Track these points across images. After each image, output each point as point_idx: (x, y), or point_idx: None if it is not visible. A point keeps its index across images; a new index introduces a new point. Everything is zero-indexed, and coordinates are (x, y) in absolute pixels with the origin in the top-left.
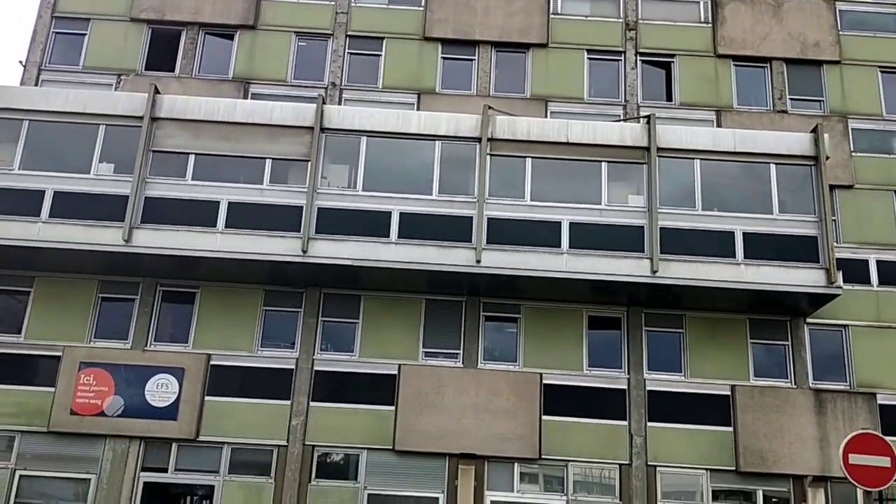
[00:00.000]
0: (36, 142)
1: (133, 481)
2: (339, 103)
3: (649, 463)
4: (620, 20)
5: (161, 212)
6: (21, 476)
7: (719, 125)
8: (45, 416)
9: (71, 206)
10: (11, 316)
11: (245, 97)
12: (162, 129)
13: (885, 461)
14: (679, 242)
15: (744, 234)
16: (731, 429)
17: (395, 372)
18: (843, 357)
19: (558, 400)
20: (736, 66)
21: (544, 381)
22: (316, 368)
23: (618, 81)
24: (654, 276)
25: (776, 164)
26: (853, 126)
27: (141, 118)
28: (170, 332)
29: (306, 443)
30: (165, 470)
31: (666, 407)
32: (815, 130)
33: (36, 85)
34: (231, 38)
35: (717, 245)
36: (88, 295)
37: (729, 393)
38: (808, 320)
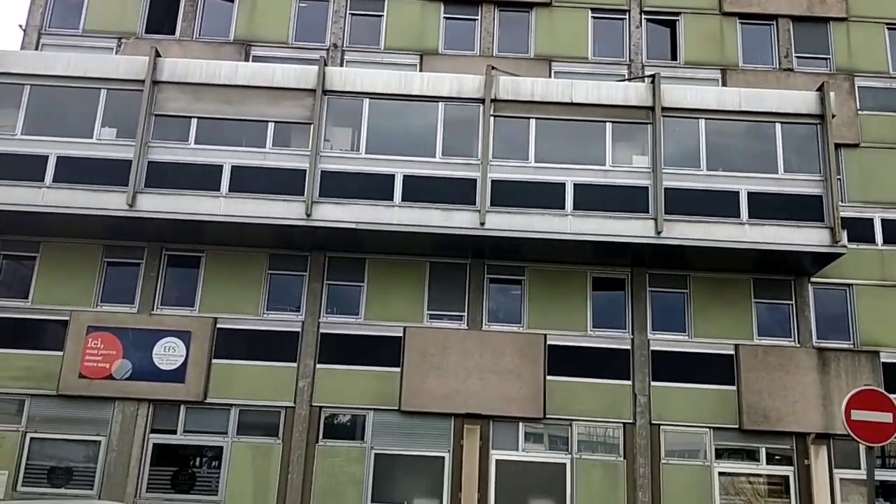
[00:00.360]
0: (38, 107)
1: (143, 443)
2: (341, 65)
3: (653, 422)
4: None
5: (164, 176)
6: (32, 439)
7: (725, 84)
8: (54, 380)
9: (74, 171)
10: (18, 281)
11: (246, 60)
12: (163, 92)
13: (887, 417)
14: (684, 203)
15: (748, 193)
16: (734, 388)
17: (401, 334)
18: (847, 316)
19: (562, 360)
20: (742, 23)
21: (548, 342)
22: (322, 331)
23: (622, 41)
24: (659, 236)
25: (782, 123)
26: (860, 84)
27: (142, 82)
28: (176, 295)
29: (313, 404)
30: (174, 432)
31: (670, 366)
32: (821, 89)
33: (36, 49)
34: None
35: (721, 205)
36: (94, 259)
37: (733, 352)
38: (813, 279)
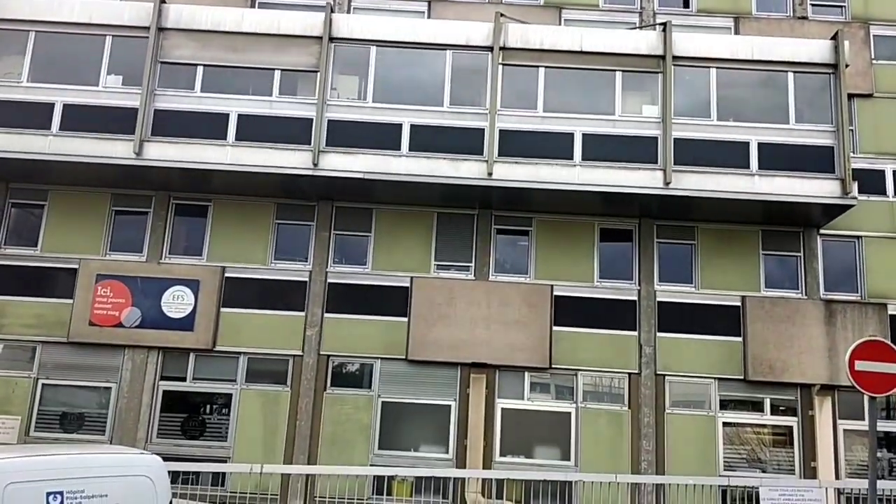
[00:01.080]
0: (43, 53)
1: (153, 390)
2: (349, 12)
3: (658, 372)
4: None
5: (171, 124)
6: (44, 385)
7: (737, 33)
8: (64, 327)
9: (81, 119)
10: (28, 229)
11: (253, 6)
12: (169, 39)
13: (891, 367)
14: (693, 153)
15: (759, 144)
16: (740, 339)
17: (408, 284)
18: (856, 268)
19: (569, 311)
20: None
21: (555, 293)
22: (329, 281)
23: None
24: (667, 187)
25: (794, 72)
26: (875, 33)
27: (147, 28)
28: (184, 244)
29: (321, 353)
30: (184, 379)
31: (676, 318)
32: (835, 37)
33: None
34: None
35: (731, 156)
36: (102, 208)
37: (739, 304)
38: (822, 231)
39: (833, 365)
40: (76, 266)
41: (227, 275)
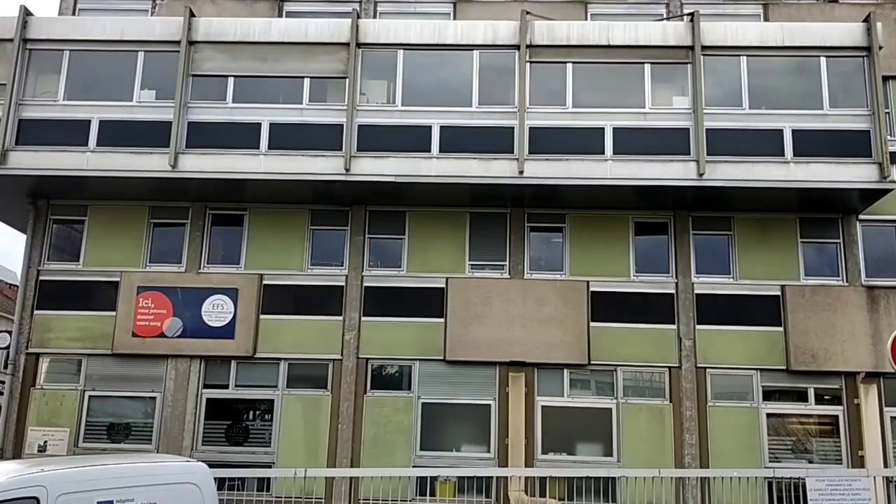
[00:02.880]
0: (78, 72)
1: (196, 398)
2: (374, 17)
3: (699, 365)
4: None
5: (204, 136)
6: (90, 397)
7: (767, 19)
8: (108, 340)
9: (117, 134)
10: (70, 245)
11: (280, 15)
12: (199, 52)
13: None
14: (726, 143)
15: (793, 131)
16: (781, 329)
17: (443, 285)
18: None
19: (606, 306)
20: None
21: (591, 289)
22: (365, 284)
23: None
24: (701, 178)
25: (826, 56)
26: None
27: (178, 42)
28: (221, 254)
29: (360, 356)
30: (226, 386)
31: (715, 309)
32: (867, 20)
33: (73, 14)
34: None
35: (765, 144)
36: (140, 221)
37: (779, 293)
38: (861, 217)
39: (878, 352)
40: (118, 279)
41: (264, 282)
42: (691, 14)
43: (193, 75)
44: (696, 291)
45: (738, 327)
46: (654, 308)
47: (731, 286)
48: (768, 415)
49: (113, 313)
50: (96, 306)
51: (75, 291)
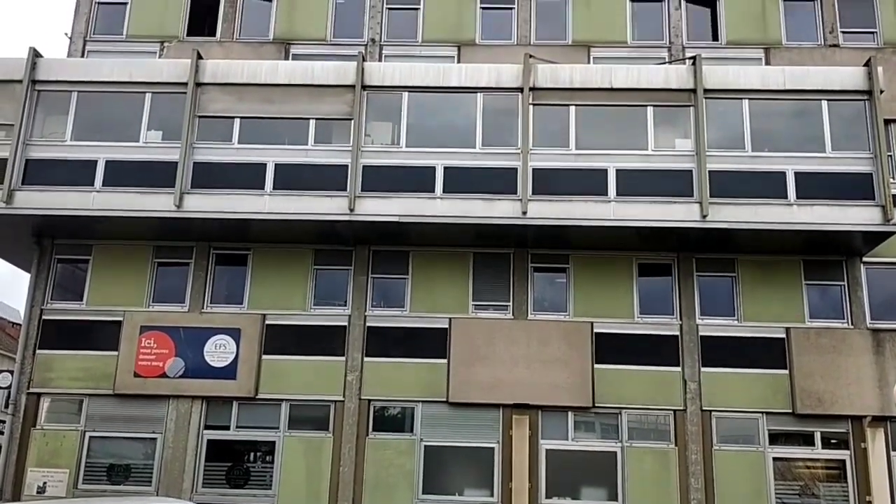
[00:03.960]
0: (85, 113)
1: (197, 439)
2: (380, 60)
3: (704, 408)
4: None
5: (210, 176)
6: (91, 437)
7: (768, 63)
8: (110, 380)
9: (123, 174)
10: (74, 284)
11: (286, 58)
12: (206, 94)
13: None
14: (729, 185)
15: (796, 173)
16: (786, 371)
17: (446, 326)
18: None
19: (610, 348)
20: (784, 0)
21: (595, 330)
22: (368, 325)
23: (661, 23)
24: (705, 220)
25: (828, 100)
26: None
27: (185, 84)
28: (225, 293)
29: (362, 397)
30: (227, 427)
31: (720, 352)
32: (867, 64)
33: (82, 56)
34: None
35: (768, 186)
36: (144, 260)
37: (784, 336)
38: (865, 259)
39: (884, 396)
40: (120, 318)
41: (267, 322)
42: (693, 58)
43: (200, 116)
44: (701, 333)
45: (744, 370)
46: (659, 350)
47: (736, 328)
48: (775, 459)
49: (115, 353)
50: (98, 346)
51: (78, 331)
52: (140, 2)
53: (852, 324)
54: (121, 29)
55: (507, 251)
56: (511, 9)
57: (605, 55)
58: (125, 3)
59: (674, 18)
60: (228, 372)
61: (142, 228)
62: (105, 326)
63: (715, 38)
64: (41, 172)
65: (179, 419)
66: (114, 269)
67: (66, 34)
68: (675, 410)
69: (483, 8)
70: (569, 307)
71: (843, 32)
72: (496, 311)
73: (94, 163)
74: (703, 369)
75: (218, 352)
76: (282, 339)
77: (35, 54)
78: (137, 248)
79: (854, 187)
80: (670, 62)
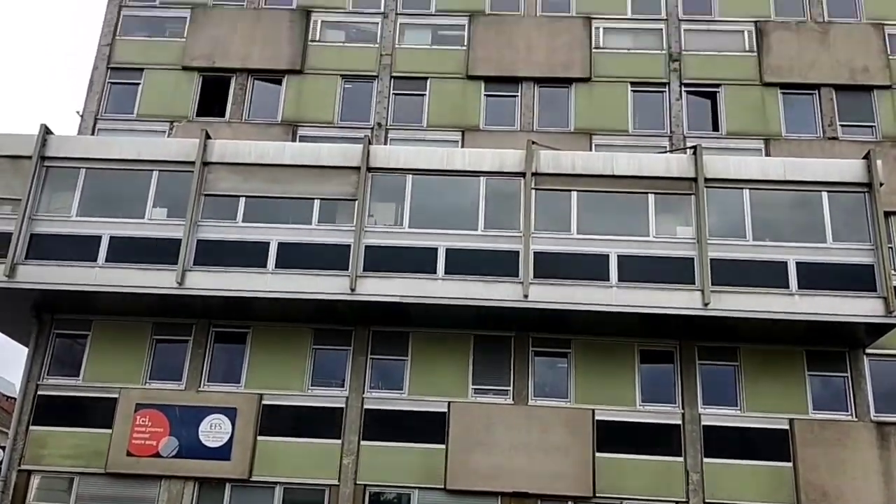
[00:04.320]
0: (92, 189)
1: None
2: (385, 143)
3: (707, 500)
4: (663, 52)
5: (213, 254)
6: None
7: (768, 154)
8: (102, 458)
9: (126, 251)
10: (71, 359)
11: (294, 139)
12: (213, 172)
13: None
14: (731, 273)
15: (797, 263)
16: (790, 464)
17: (445, 409)
18: None
19: (611, 436)
20: (783, 93)
21: (597, 417)
22: (366, 407)
23: (662, 112)
24: (706, 308)
25: (828, 191)
26: None
27: (193, 163)
28: (222, 372)
29: (357, 482)
30: None
31: (722, 442)
32: (867, 156)
33: (92, 134)
34: (279, 82)
35: (769, 275)
36: (143, 337)
37: (787, 427)
38: (868, 351)
39: (889, 491)
40: (116, 395)
41: (264, 402)
42: (694, 147)
43: (206, 194)
44: (703, 423)
45: (747, 461)
46: (661, 439)
47: (739, 418)
48: None
49: (109, 431)
50: (93, 423)
51: (73, 407)
52: (152, 83)
53: (856, 416)
54: (132, 108)
55: (508, 335)
56: (515, 96)
57: (607, 142)
58: (137, 84)
59: (674, 108)
60: (223, 452)
61: (142, 304)
62: (100, 403)
63: (715, 128)
64: (45, 247)
65: (171, 500)
66: (112, 344)
67: (77, 112)
68: (676, 502)
69: (487, 95)
70: (570, 393)
71: (842, 126)
72: (496, 395)
73: (97, 238)
74: (705, 460)
75: (213, 431)
76: (278, 420)
77: (46, 131)
78: (137, 325)
79: (856, 278)
80: (671, 151)
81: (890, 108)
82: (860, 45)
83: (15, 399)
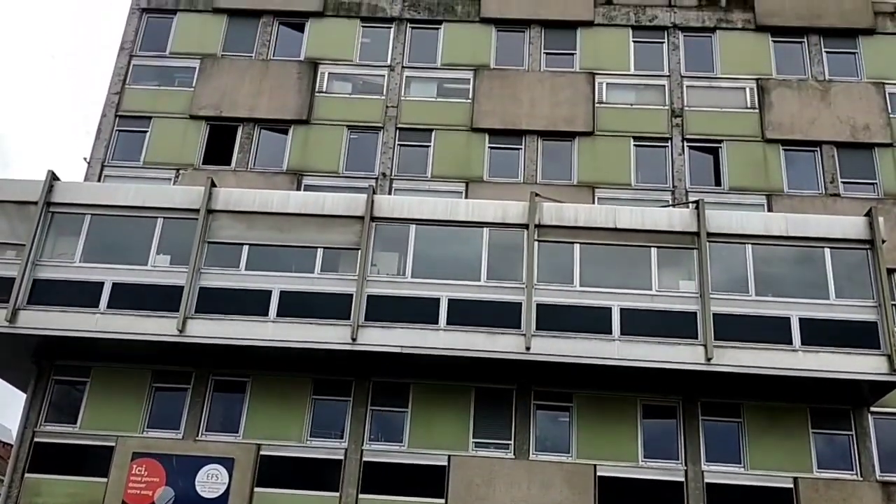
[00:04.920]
0: (96, 235)
1: None
2: (390, 193)
3: None
4: (666, 107)
5: (215, 302)
6: None
7: (770, 209)
8: None
9: (128, 297)
10: (69, 406)
11: (298, 188)
12: (217, 220)
13: None
14: (734, 329)
15: (800, 319)
16: None
17: (445, 463)
18: None
19: (614, 493)
20: (785, 150)
21: (598, 473)
22: (365, 459)
23: (665, 167)
24: (709, 363)
25: (830, 248)
26: None
27: (197, 211)
28: (221, 421)
29: None
30: None
31: (726, 500)
32: (869, 214)
33: (99, 180)
34: (285, 132)
35: (772, 331)
36: (143, 385)
37: (792, 485)
38: (873, 409)
39: None
40: (113, 444)
41: (262, 452)
42: (696, 202)
43: (209, 242)
44: (707, 480)
45: None
46: (664, 496)
47: (743, 476)
48: None
49: (105, 479)
50: (89, 471)
51: (69, 455)
52: (159, 131)
53: (861, 475)
54: (138, 155)
55: (510, 387)
56: (518, 149)
57: (610, 195)
58: (145, 132)
59: (677, 163)
60: (220, 503)
61: (142, 352)
62: (97, 451)
63: (717, 183)
64: (47, 292)
65: None
66: (111, 392)
67: (84, 159)
68: None
69: (491, 147)
70: (572, 448)
71: (844, 182)
72: (497, 449)
73: (100, 284)
74: None
75: (210, 482)
76: (276, 471)
77: (53, 177)
78: (136, 372)
79: (859, 336)
80: (674, 205)
81: (891, 166)
82: (861, 104)
83: (11, 445)
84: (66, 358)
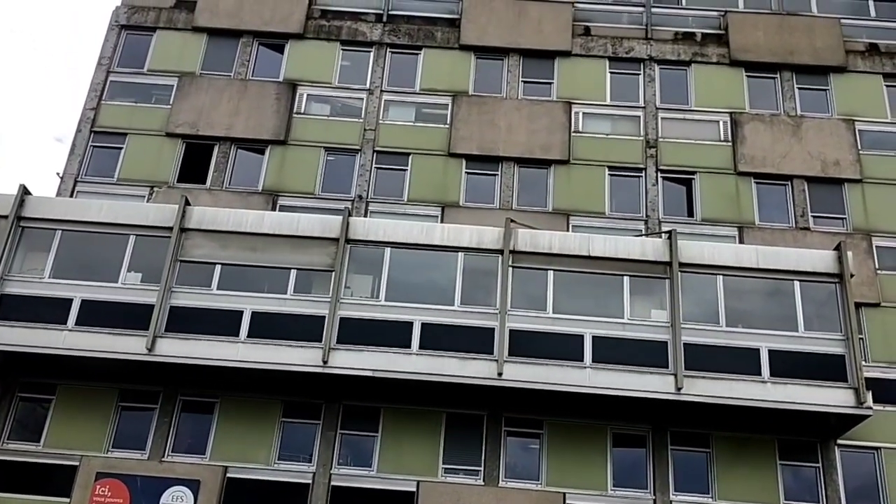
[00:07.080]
0: (67, 251)
1: None
2: (365, 215)
3: None
4: (641, 138)
5: (185, 321)
6: None
7: (741, 241)
8: None
9: (97, 315)
10: (33, 423)
11: (273, 209)
12: (190, 239)
13: None
14: (704, 359)
15: (769, 351)
16: None
17: (414, 489)
18: (877, 480)
19: None
20: (757, 183)
21: (567, 501)
22: (333, 483)
23: (639, 197)
24: (679, 392)
25: (800, 280)
26: (877, 244)
27: (170, 229)
28: (187, 442)
29: None
30: None
31: None
32: (838, 248)
33: (71, 196)
34: (262, 152)
35: (742, 362)
36: (108, 404)
37: None
38: (840, 441)
39: None
40: (77, 463)
41: (228, 475)
42: (669, 232)
43: (182, 261)
44: None
45: None
46: None
47: None
48: None
49: (67, 500)
50: (51, 491)
51: (31, 474)
52: (135, 148)
53: None
54: (112, 172)
55: (481, 413)
56: (495, 175)
57: (584, 223)
58: (120, 148)
59: (650, 193)
60: None
61: (110, 370)
62: (60, 470)
63: (690, 213)
64: (14, 308)
65: None
66: (76, 410)
67: (57, 174)
68: None
69: (468, 172)
70: (541, 475)
71: (814, 216)
72: (467, 475)
73: (69, 301)
74: None
75: None
76: (242, 494)
77: (24, 191)
78: (103, 391)
79: (827, 368)
80: (647, 234)
81: (860, 202)
82: (831, 139)
83: None
84: (31, 374)
